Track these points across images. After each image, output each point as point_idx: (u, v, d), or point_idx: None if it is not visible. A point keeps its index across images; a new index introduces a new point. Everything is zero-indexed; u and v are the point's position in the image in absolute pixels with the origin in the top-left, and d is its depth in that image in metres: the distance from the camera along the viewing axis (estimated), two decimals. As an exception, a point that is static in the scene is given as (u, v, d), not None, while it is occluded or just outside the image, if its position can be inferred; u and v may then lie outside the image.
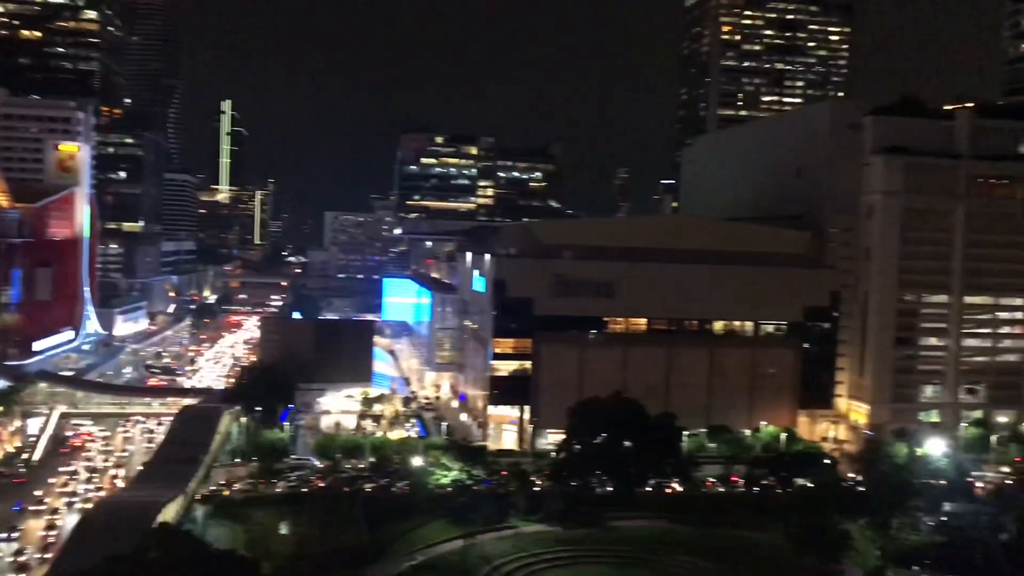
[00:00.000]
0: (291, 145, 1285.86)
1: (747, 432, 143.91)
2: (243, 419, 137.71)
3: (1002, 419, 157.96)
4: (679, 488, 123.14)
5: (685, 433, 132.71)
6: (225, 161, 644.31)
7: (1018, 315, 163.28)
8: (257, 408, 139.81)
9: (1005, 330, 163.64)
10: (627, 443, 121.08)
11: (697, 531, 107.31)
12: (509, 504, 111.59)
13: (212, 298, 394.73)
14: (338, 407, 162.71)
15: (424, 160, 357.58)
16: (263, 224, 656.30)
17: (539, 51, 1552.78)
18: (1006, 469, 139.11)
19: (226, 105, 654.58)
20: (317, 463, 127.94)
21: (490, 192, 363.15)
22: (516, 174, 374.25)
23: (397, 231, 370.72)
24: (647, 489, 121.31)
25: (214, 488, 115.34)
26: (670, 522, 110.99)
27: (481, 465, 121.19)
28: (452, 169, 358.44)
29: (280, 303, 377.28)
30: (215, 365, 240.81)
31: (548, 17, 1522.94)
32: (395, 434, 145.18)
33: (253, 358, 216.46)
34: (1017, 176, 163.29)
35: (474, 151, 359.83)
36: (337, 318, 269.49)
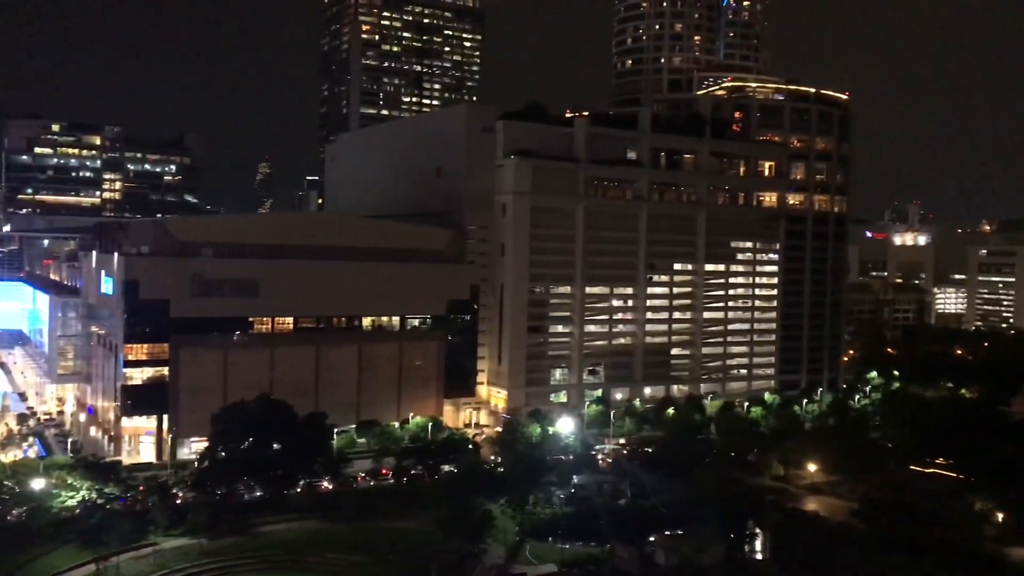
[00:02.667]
0: None
1: (396, 424, 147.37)
2: None
3: (618, 396, 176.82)
4: (330, 486, 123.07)
5: (336, 430, 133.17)
6: None
7: (629, 303, 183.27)
8: None
9: (618, 316, 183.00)
10: (276, 445, 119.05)
11: (348, 527, 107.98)
12: (148, 520, 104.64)
13: None
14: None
15: (38, 150, 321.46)
16: None
17: (171, 37, 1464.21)
18: (623, 441, 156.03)
19: None
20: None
21: (118, 186, 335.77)
22: (147, 167, 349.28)
23: (6, 228, 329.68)
24: (297, 490, 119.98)
25: None
26: (321, 521, 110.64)
27: (115, 482, 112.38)
28: (72, 160, 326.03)
29: None
30: None
31: (179, 2, 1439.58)
32: (9, 456, 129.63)
33: None
34: (626, 179, 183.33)
35: (98, 141, 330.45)
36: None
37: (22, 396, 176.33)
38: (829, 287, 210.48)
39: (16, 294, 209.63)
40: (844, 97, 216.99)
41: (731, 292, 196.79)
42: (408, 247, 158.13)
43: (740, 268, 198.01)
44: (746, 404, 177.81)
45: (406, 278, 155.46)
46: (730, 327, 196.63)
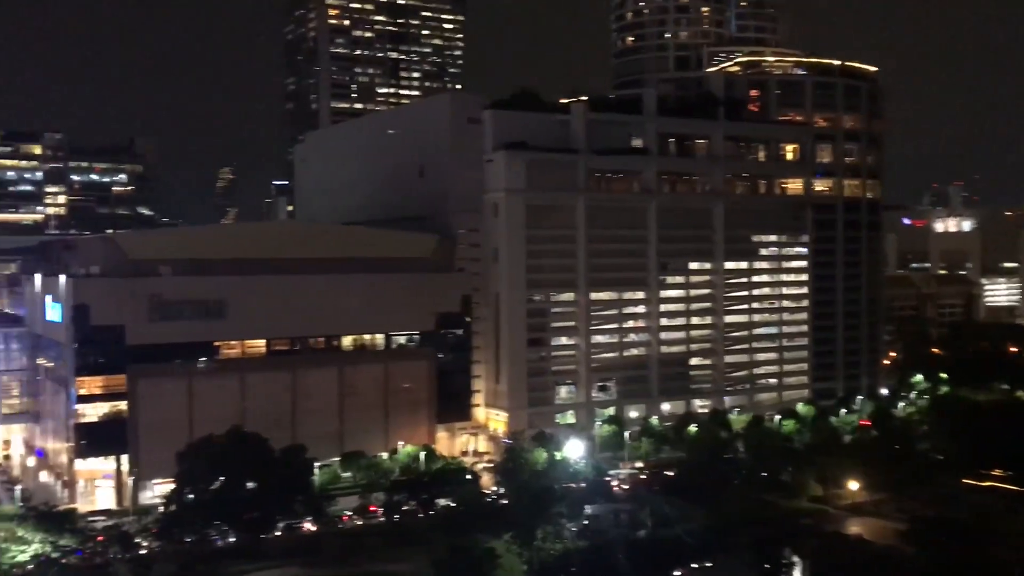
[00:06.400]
0: None
1: (384, 455, 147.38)
2: None
3: (633, 414, 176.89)
4: (312, 527, 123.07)
5: (317, 465, 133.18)
6: None
7: (640, 309, 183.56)
8: None
9: (629, 324, 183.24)
10: (250, 484, 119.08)
11: (334, 572, 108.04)
12: (109, 574, 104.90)
13: None
14: None
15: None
16: None
17: (114, 32, 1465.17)
18: (640, 464, 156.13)
19: None
20: None
21: (62, 199, 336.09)
22: (94, 177, 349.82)
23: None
24: (276, 534, 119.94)
25: None
26: (303, 567, 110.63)
27: (70, 532, 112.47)
28: (10, 173, 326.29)
29: None
30: None
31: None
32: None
33: None
34: (632, 170, 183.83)
35: (38, 150, 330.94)
36: None
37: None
38: (865, 282, 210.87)
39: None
40: (873, 70, 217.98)
41: (755, 292, 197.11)
42: (390, 256, 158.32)
43: (764, 265, 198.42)
44: (777, 417, 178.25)
45: (389, 291, 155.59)
46: (756, 332, 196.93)
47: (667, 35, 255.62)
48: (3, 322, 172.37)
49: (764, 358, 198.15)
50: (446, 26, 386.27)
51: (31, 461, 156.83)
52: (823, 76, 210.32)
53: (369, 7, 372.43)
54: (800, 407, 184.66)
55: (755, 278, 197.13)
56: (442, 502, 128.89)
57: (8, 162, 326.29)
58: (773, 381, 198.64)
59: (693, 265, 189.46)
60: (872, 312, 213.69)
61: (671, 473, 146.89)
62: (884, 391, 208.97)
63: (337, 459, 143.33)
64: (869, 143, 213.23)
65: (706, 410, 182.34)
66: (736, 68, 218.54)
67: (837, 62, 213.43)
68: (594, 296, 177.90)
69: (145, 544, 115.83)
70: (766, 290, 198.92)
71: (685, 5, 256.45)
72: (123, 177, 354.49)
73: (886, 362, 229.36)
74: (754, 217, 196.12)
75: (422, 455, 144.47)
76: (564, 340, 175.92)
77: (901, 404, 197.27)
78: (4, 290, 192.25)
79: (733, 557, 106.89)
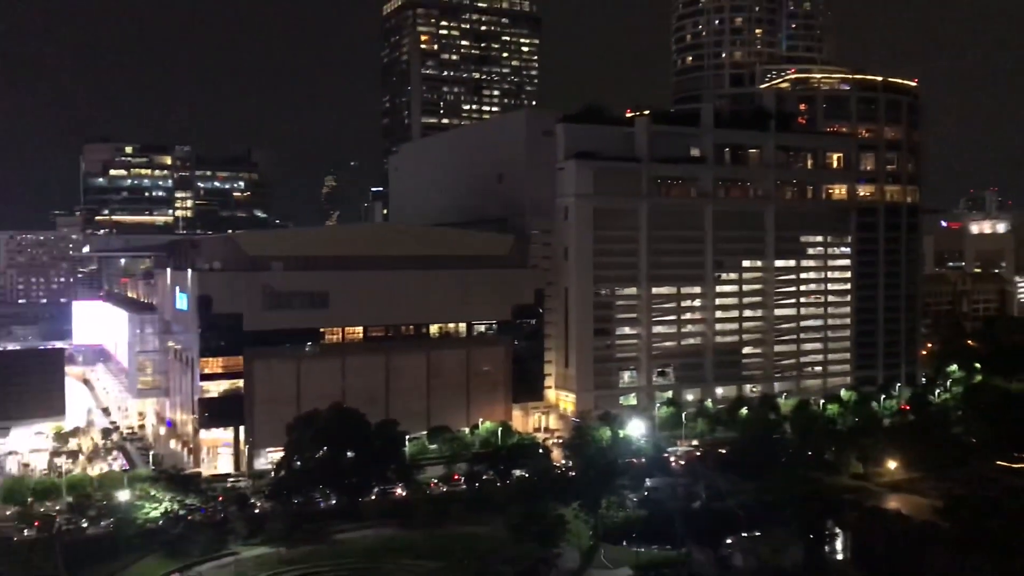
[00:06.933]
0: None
1: (466, 430, 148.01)
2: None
3: (689, 397, 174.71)
4: (403, 493, 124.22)
5: (407, 437, 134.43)
6: None
7: (697, 302, 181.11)
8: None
9: (687, 316, 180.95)
10: (349, 454, 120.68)
11: (422, 533, 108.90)
12: (228, 530, 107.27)
13: None
14: (27, 446, 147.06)
15: (113, 172, 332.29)
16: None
17: (233, 55, 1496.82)
18: (695, 443, 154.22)
19: None
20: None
21: (189, 204, 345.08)
22: (217, 184, 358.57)
23: (86, 249, 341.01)
24: (372, 498, 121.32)
25: None
26: (396, 528, 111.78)
27: (195, 493, 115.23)
28: (145, 180, 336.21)
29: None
30: None
31: (240, 20, 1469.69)
32: (95, 470, 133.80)
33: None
34: (690, 177, 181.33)
35: (169, 160, 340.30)
36: (19, 348, 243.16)
37: (105, 411, 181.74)
38: (904, 279, 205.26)
39: (98, 313, 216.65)
40: (913, 84, 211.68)
41: (803, 288, 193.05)
42: (472, 254, 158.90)
43: (811, 263, 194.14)
44: (822, 402, 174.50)
45: (471, 285, 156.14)
46: (803, 323, 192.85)
47: (723, 55, 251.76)
48: (139, 310, 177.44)
49: (810, 348, 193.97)
50: (524, 49, 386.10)
51: (162, 430, 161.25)
52: (867, 91, 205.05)
53: (456, 33, 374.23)
54: (843, 393, 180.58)
55: (802, 275, 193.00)
56: (517, 473, 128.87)
57: (144, 171, 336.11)
58: (818, 369, 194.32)
59: (746, 263, 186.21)
60: (910, 307, 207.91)
61: (724, 451, 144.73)
62: (922, 379, 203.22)
63: (424, 433, 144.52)
64: (909, 151, 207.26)
65: (756, 394, 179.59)
66: (786, 84, 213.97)
67: (880, 78, 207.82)
68: (655, 290, 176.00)
69: (259, 504, 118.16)
70: (812, 286, 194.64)
71: (739, 28, 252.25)
72: (241, 184, 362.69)
73: (923, 353, 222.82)
74: (802, 220, 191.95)
75: (499, 431, 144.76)
76: (627, 330, 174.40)
77: (937, 391, 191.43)
78: (140, 282, 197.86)
79: (780, 528, 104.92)
